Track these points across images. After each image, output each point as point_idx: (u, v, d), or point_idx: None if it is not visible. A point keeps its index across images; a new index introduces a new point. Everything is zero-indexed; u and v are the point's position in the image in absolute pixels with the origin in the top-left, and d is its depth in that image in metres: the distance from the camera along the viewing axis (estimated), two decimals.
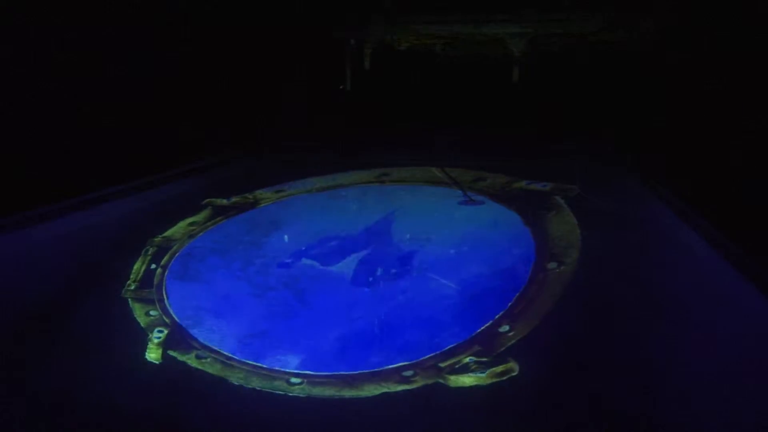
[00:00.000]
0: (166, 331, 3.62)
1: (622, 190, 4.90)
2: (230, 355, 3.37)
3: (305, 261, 4.22)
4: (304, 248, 4.35)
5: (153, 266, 4.33)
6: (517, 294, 3.56)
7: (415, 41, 7.63)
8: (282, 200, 5.26)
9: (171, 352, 3.45)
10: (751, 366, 2.86)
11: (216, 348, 3.44)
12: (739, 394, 2.70)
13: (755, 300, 3.31)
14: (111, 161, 5.82)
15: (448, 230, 4.37)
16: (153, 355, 3.45)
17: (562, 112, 6.49)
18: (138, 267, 4.33)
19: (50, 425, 2.96)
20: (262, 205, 5.20)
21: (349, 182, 5.46)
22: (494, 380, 2.97)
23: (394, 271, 3.98)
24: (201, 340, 3.53)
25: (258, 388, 3.11)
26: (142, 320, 3.77)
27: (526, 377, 2.97)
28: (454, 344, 3.23)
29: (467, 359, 3.11)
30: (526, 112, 6.70)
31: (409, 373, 3.08)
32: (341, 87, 7.74)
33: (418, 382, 3.02)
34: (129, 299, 3.99)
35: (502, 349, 3.15)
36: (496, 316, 3.39)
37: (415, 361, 3.15)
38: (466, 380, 2.99)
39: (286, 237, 4.32)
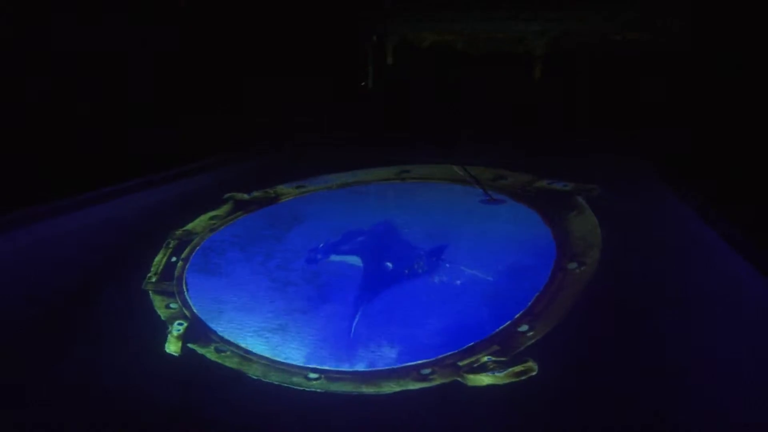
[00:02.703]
0: (185, 324, 3.65)
1: (645, 191, 4.84)
2: (249, 349, 3.39)
3: (332, 257, 4.22)
4: (326, 244, 4.35)
5: (174, 259, 4.35)
6: (537, 294, 3.54)
7: (437, 38, 7.60)
8: (303, 196, 5.26)
9: (190, 345, 3.48)
10: None
11: (235, 342, 3.46)
12: (765, 397, 2.66)
13: None
14: (132, 155, 5.87)
15: (469, 229, 4.34)
16: (172, 347, 3.48)
17: (585, 111, 6.44)
18: (159, 259, 4.36)
19: (70, 416, 2.99)
20: (283, 200, 5.21)
21: (369, 179, 5.45)
22: (512, 380, 2.96)
23: (413, 268, 3.97)
24: (220, 333, 3.55)
25: (276, 383, 3.13)
26: (162, 313, 3.80)
27: (544, 377, 2.96)
28: (473, 343, 3.22)
29: (485, 358, 3.10)
30: (548, 110, 6.66)
31: (427, 371, 3.08)
32: (363, 84, 7.74)
33: (436, 380, 3.02)
34: (149, 291, 4.02)
35: (521, 348, 3.14)
36: (516, 316, 3.38)
37: (433, 359, 3.15)
38: (485, 379, 2.98)
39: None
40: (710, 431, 2.57)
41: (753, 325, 3.15)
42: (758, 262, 3.53)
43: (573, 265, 3.77)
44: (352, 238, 4.40)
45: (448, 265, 3.96)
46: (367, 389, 3.02)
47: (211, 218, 4.93)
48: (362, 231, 4.48)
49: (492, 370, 3.02)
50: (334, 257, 4.22)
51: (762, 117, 4.89)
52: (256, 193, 5.30)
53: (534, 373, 2.98)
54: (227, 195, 5.28)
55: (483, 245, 4.12)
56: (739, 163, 4.65)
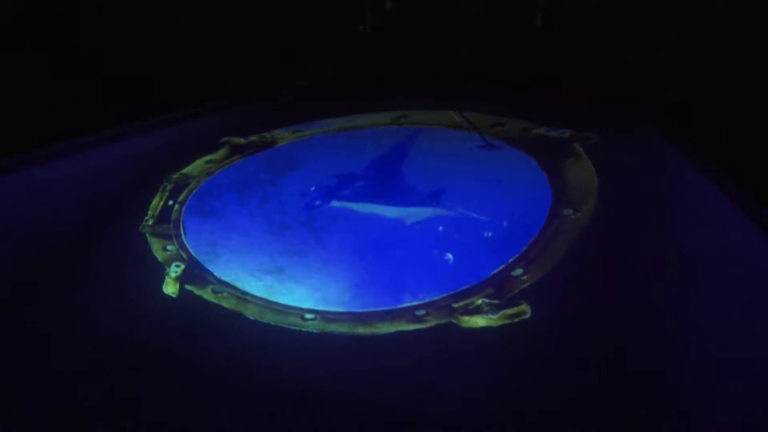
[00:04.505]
0: (183, 266, 3.68)
1: (645, 143, 4.80)
2: (246, 290, 3.43)
3: (333, 203, 4.22)
4: (323, 188, 4.35)
5: (170, 202, 4.37)
6: (532, 238, 3.55)
7: None
8: (300, 140, 5.25)
9: (188, 287, 3.51)
10: (764, 320, 2.85)
11: (232, 283, 3.50)
12: (751, 347, 2.69)
13: None
14: (129, 99, 5.82)
15: (465, 174, 4.33)
16: (170, 289, 3.51)
17: (586, 60, 6.37)
18: (155, 203, 4.37)
19: (69, 358, 3.04)
20: (280, 144, 5.19)
21: (366, 124, 5.41)
22: (506, 322, 3.00)
23: (408, 212, 3.98)
24: (217, 275, 3.59)
25: (272, 323, 3.17)
26: (159, 255, 3.83)
27: (537, 320, 2.99)
28: (468, 286, 3.25)
29: (480, 301, 3.13)
30: (550, 60, 6.58)
31: (421, 312, 3.11)
32: (360, 28, 7.61)
33: (431, 322, 3.06)
34: (147, 234, 4.04)
35: (515, 292, 3.17)
36: (510, 260, 3.39)
37: (428, 300, 3.19)
38: (478, 321, 3.02)
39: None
40: (700, 380, 2.60)
41: (749, 280, 3.15)
42: (760, 220, 3.52)
43: (569, 212, 3.77)
44: (349, 182, 4.40)
45: (445, 209, 3.97)
46: (363, 330, 3.07)
47: (208, 162, 4.92)
48: (358, 174, 4.48)
49: (486, 313, 3.05)
50: (335, 203, 4.22)
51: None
52: (252, 138, 5.27)
53: (527, 316, 3.01)
54: (223, 139, 5.26)
55: (479, 190, 4.11)
56: (744, 120, 4.60)
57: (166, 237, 3.99)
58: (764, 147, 4.14)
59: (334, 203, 4.21)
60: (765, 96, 4.61)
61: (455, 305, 3.12)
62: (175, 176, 4.70)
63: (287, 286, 3.42)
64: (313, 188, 4.36)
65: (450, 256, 3.53)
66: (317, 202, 4.22)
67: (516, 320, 3.00)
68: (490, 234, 3.68)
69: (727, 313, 2.90)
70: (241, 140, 5.24)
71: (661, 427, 2.39)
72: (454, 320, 3.04)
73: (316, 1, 7.22)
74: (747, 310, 2.90)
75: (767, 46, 4.94)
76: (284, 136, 5.31)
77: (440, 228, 3.80)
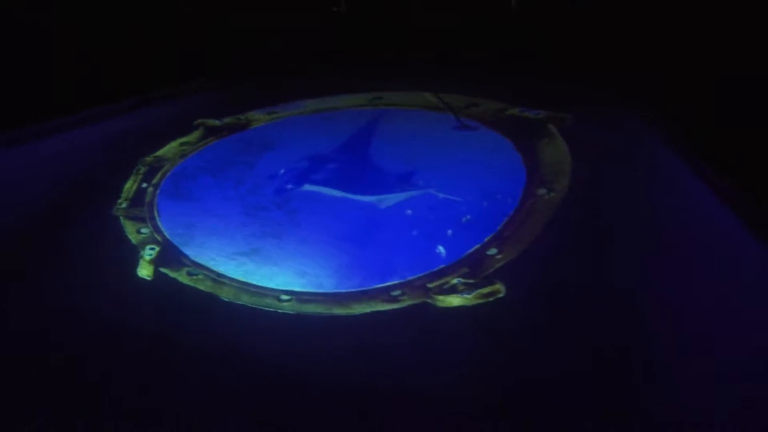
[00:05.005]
0: (157, 249, 3.66)
1: (619, 123, 4.83)
2: (221, 272, 3.42)
3: (305, 187, 4.21)
4: (294, 171, 4.34)
5: (144, 185, 4.33)
6: (507, 218, 3.58)
7: None
8: (274, 122, 5.22)
9: (162, 269, 3.49)
10: (734, 301, 2.88)
11: (207, 265, 3.49)
12: (724, 328, 2.73)
13: (743, 238, 3.31)
14: (102, 81, 5.75)
15: (439, 154, 4.34)
16: (145, 271, 3.49)
17: (565, 43, 6.37)
18: (129, 186, 4.33)
19: (42, 341, 3.01)
20: (255, 126, 5.16)
21: (341, 105, 5.39)
22: (480, 301, 3.02)
23: (383, 193, 3.98)
24: (192, 257, 3.57)
25: (248, 305, 3.17)
26: (133, 237, 3.80)
27: (512, 299, 3.02)
28: (443, 265, 3.27)
29: (455, 280, 3.15)
30: (526, 42, 6.58)
31: (397, 292, 3.13)
32: (334, 9, 7.56)
33: (406, 302, 3.08)
34: (120, 217, 4.00)
35: (490, 271, 3.20)
36: (485, 239, 3.42)
37: (403, 280, 3.21)
38: (453, 300, 3.04)
39: None
40: (674, 360, 2.64)
41: (724, 262, 3.18)
42: (731, 201, 3.55)
43: (543, 191, 3.80)
44: (323, 164, 4.39)
45: (419, 189, 3.98)
46: (338, 310, 3.08)
47: (182, 144, 4.88)
48: (332, 157, 4.47)
49: (461, 292, 3.08)
50: (307, 187, 4.21)
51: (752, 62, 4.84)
52: (227, 119, 5.24)
53: (501, 295, 3.04)
54: (198, 121, 5.21)
55: (454, 171, 4.13)
56: (720, 106, 4.63)
57: (140, 220, 3.96)
58: (740, 129, 4.19)
59: (307, 187, 4.19)
60: (743, 77, 4.65)
61: (430, 285, 3.15)
62: (149, 159, 4.66)
63: (263, 268, 3.42)
64: (282, 171, 4.34)
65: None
66: (289, 186, 4.21)
67: (491, 299, 3.03)
68: (468, 217, 3.69)
69: (702, 294, 2.94)
70: (216, 122, 5.20)
71: (636, 404, 2.43)
72: (429, 300, 3.06)
73: None
74: (723, 292, 2.94)
75: (741, 27, 4.99)
76: (259, 117, 5.28)
77: (414, 210, 3.80)
